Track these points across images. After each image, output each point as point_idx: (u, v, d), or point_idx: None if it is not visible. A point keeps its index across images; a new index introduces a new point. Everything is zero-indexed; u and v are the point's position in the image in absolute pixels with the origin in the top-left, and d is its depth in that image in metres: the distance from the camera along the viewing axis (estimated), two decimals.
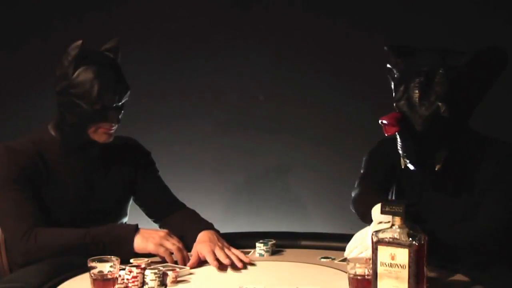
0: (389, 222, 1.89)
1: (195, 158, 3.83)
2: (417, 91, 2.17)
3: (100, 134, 2.29)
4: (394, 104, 2.21)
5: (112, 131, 2.30)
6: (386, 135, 2.16)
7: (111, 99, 2.26)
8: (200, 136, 3.82)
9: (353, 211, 2.35)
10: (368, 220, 2.16)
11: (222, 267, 2.10)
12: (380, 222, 2.04)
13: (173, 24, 3.79)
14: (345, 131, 3.71)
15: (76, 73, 2.25)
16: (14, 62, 3.75)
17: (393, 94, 2.25)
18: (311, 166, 3.78)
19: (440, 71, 2.16)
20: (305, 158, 3.79)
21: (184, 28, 3.80)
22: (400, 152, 2.21)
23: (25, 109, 3.70)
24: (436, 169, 2.21)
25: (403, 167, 2.25)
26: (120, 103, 2.29)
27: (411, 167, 2.23)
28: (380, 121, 2.15)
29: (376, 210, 2.08)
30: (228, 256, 2.11)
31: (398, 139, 2.20)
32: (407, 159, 2.21)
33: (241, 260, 2.11)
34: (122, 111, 2.31)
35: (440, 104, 2.14)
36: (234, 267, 2.10)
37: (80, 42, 2.24)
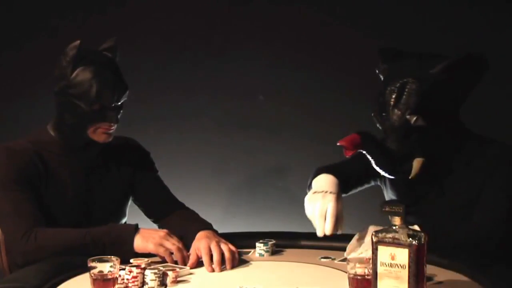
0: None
1: (194, 158, 3.83)
2: (389, 104, 2.18)
3: (99, 134, 2.29)
4: (372, 113, 2.23)
5: (111, 131, 2.30)
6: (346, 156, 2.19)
7: (110, 99, 2.26)
8: (200, 136, 3.82)
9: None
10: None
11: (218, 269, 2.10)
12: (315, 192, 2.15)
13: (173, 24, 3.79)
14: (345, 131, 3.70)
15: (75, 73, 2.25)
16: (14, 62, 3.75)
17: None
18: (311, 166, 3.77)
19: (411, 83, 2.16)
20: (305, 158, 3.78)
21: (184, 28, 3.80)
22: (373, 163, 2.22)
23: (25, 109, 3.70)
24: (410, 177, 2.22)
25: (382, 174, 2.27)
26: (119, 103, 2.29)
27: (388, 176, 2.25)
28: (338, 144, 2.18)
29: (316, 181, 2.22)
30: (222, 255, 2.10)
31: (366, 154, 2.21)
32: (381, 170, 2.23)
33: (232, 261, 2.11)
34: (121, 111, 2.31)
35: (408, 117, 2.15)
36: (233, 267, 2.10)
37: (78, 42, 2.24)
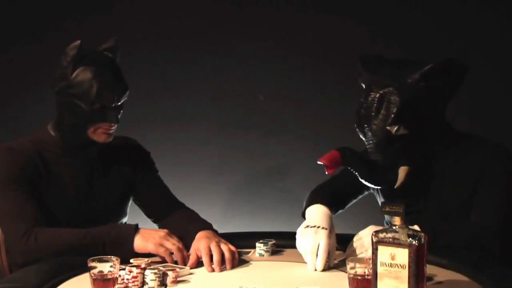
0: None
1: (194, 158, 3.83)
2: (369, 115, 2.18)
3: (99, 134, 2.29)
4: (355, 125, 2.24)
5: (111, 131, 2.30)
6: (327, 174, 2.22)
7: (110, 99, 2.26)
8: (200, 136, 3.82)
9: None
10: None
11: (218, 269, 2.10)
12: (307, 226, 2.14)
13: (172, 24, 3.79)
14: (345, 131, 3.70)
15: (75, 73, 2.25)
16: (14, 63, 3.75)
17: None
18: (311, 166, 3.76)
19: (390, 92, 2.15)
20: (305, 158, 3.78)
21: (184, 28, 3.80)
22: (357, 176, 2.23)
23: (25, 109, 3.70)
24: (395, 187, 2.23)
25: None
26: (119, 103, 2.29)
27: (373, 186, 2.26)
28: (318, 162, 2.18)
29: (309, 211, 2.23)
30: (222, 255, 2.10)
31: (350, 169, 2.21)
32: (366, 182, 2.23)
33: (232, 261, 2.11)
34: (121, 111, 2.31)
35: (389, 128, 2.15)
36: (233, 267, 2.10)
37: (78, 42, 2.24)
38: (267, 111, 3.82)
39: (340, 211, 2.41)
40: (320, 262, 2.06)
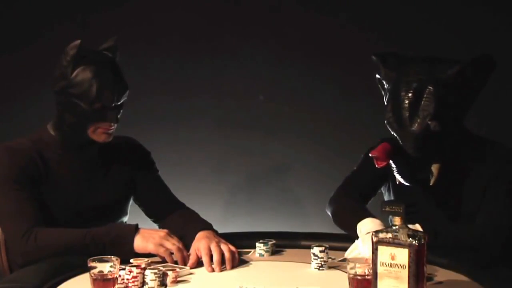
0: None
1: (194, 158, 3.83)
2: (407, 110, 2.15)
3: (99, 134, 2.29)
4: (385, 120, 2.20)
5: (111, 130, 2.30)
6: (377, 167, 2.18)
7: (110, 99, 2.26)
8: (200, 136, 3.82)
9: (329, 213, 2.35)
10: (351, 232, 2.18)
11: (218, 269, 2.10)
12: (368, 233, 2.05)
13: (172, 24, 3.79)
14: (345, 131, 3.70)
15: (75, 73, 2.24)
16: (14, 62, 3.75)
17: (385, 104, 2.24)
18: (311, 166, 3.77)
19: (428, 88, 2.13)
20: (305, 158, 3.78)
21: (183, 28, 3.80)
22: (394, 170, 2.21)
23: (25, 109, 3.70)
24: (431, 184, 2.21)
25: (397, 183, 2.25)
26: (119, 103, 2.29)
27: (405, 183, 2.24)
28: (370, 155, 2.16)
29: (362, 225, 2.13)
30: (222, 255, 2.10)
31: (391, 163, 2.20)
32: (401, 178, 2.22)
33: (232, 261, 2.11)
34: (121, 111, 2.31)
35: (429, 122, 2.13)
36: (233, 267, 2.10)
37: (78, 42, 2.24)
38: (267, 111, 3.82)
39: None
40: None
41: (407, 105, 2.15)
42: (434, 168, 2.21)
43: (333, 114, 3.76)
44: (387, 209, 1.72)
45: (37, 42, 3.74)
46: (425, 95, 2.13)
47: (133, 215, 2.50)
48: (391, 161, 2.19)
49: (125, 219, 2.47)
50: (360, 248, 2.07)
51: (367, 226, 2.12)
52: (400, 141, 2.18)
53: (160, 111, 3.79)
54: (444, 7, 3.62)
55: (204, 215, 2.40)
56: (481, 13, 3.58)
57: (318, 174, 3.75)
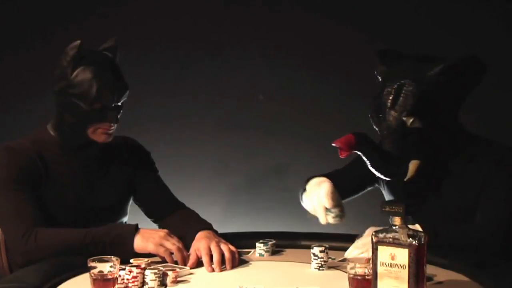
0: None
1: (194, 158, 3.83)
2: (385, 106, 2.19)
3: (99, 134, 2.29)
4: (369, 115, 2.24)
5: (111, 131, 2.30)
6: (341, 157, 2.20)
7: (110, 99, 2.26)
8: (200, 136, 3.82)
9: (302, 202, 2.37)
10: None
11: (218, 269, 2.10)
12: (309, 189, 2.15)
13: (172, 24, 3.79)
14: (345, 131, 3.70)
15: (75, 73, 2.24)
16: (14, 63, 3.75)
17: None
18: (311, 166, 3.77)
19: (407, 85, 2.16)
20: (304, 158, 3.78)
21: (183, 28, 3.80)
22: (368, 165, 2.23)
23: (25, 109, 3.70)
24: (405, 179, 2.23)
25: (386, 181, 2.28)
26: (119, 103, 2.29)
27: (382, 177, 2.25)
28: (332, 144, 2.18)
29: (309, 183, 2.23)
30: (222, 255, 2.10)
31: (361, 155, 2.21)
32: (376, 172, 2.23)
33: (232, 261, 2.11)
34: (121, 111, 2.31)
35: (405, 118, 2.15)
36: (233, 267, 2.10)
37: (78, 42, 2.24)
38: (267, 111, 3.82)
39: (349, 198, 2.41)
40: (328, 202, 2.09)
41: (386, 100, 2.19)
42: (413, 164, 2.22)
43: (333, 114, 3.76)
44: (387, 209, 1.72)
45: (37, 42, 3.74)
46: (403, 92, 2.16)
47: (133, 215, 2.50)
48: (364, 156, 2.20)
49: (125, 219, 2.47)
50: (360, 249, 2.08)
51: (311, 183, 2.23)
52: (380, 135, 2.22)
53: (160, 111, 3.79)
54: (444, 8, 3.62)
55: (204, 215, 2.40)
56: (481, 13, 3.58)
57: (318, 174, 3.74)
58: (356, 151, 2.18)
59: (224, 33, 3.80)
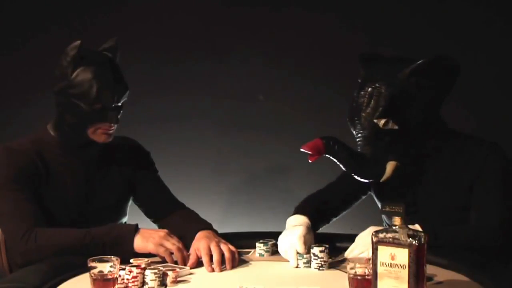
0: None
1: (194, 158, 3.83)
2: (358, 109, 2.21)
3: (99, 135, 2.29)
4: (347, 118, 2.27)
5: (111, 131, 2.30)
6: (310, 161, 2.23)
7: (110, 99, 2.26)
8: (200, 136, 3.82)
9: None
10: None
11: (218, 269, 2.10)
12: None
13: (172, 24, 3.79)
14: (345, 131, 3.70)
15: (75, 73, 2.25)
16: (14, 63, 3.75)
17: None
18: (311, 167, 3.77)
19: (378, 88, 2.18)
20: (305, 158, 3.77)
21: (183, 28, 3.80)
22: (342, 168, 2.24)
23: (25, 109, 3.70)
24: (381, 180, 2.24)
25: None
26: (119, 103, 2.29)
27: (360, 179, 2.26)
28: (301, 149, 2.19)
29: (288, 220, 2.24)
30: (222, 255, 2.10)
31: (332, 158, 2.21)
32: (353, 174, 2.24)
33: (232, 261, 2.11)
34: (121, 111, 2.31)
35: (376, 120, 2.17)
36: (233, 267, 2.11)
37: (78, 42, 2.24)
38: (267, 111, 3.82)
39: (334, 219, 2.42)
40: (299, 246, 2.08)
41: (360, 103, 2.22)
42: (390, 165, 2.23)
43: (333, 114, 3.75)
44: (387, 209, 1.72)
45: (37, 42, 3.74)
46: (375, 94, 2.17)
47: (133, 215, 2.51)
48: (335, 159, 2.22)
49: (125, 219, 2.47)
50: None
51: (289, 223, 2.23)
52: (356, 138, 2.25)
53: (160, 111, 3.79)
54: (443, 7, 3.62)
55: (204, 215, 2.41)
56: (480, 13, 3.58)
57: (318, 174, 3.73)
58: (327, 155, 2.19)
59: (224, 34, 3.80)
